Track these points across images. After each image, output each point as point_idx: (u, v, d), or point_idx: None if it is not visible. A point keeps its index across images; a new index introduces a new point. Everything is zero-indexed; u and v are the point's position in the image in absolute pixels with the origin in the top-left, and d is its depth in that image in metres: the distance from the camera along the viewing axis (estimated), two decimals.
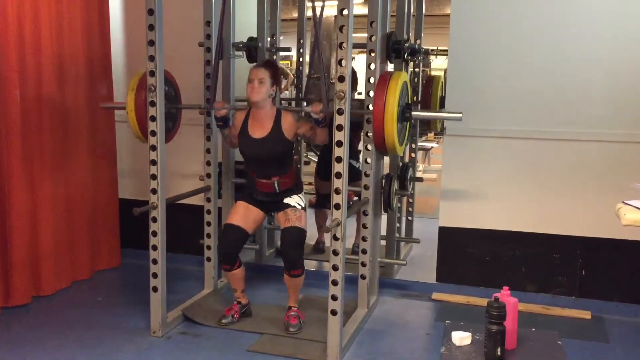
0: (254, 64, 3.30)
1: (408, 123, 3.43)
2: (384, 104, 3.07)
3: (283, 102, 5.36)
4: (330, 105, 3.11)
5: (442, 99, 4.57)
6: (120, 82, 4.51)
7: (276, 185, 3.37)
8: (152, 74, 3.16)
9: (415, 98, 4.50)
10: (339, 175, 2.92)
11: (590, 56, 3.64)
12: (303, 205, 3.44)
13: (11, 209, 3.63)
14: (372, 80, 3.38)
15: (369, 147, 3.48)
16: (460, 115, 3.26)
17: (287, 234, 3.33)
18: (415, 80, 5.01)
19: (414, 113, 3.28)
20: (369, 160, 3.50)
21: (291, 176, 3.45)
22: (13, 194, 3.63)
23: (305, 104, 4.29)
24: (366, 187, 3.53)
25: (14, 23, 3.55)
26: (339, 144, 2.90)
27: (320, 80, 3.29)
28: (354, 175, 3.61)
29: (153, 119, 3.22)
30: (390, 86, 3.09)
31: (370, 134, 3.46)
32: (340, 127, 2.90)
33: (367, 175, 3.52)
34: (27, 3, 3.63)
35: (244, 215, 3.42)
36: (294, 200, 3.41)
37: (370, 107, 3.30)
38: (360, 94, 3.86)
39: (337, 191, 2.94)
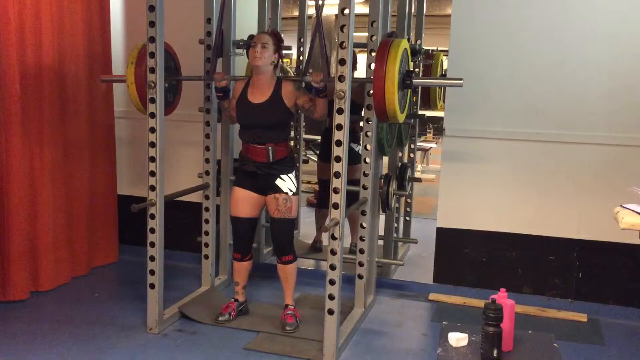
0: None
1: (409, 91, 3.40)
2: (384, 70, 3.03)
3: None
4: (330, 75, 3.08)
5: (443, 77, 4.81)
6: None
7: (270, 152, 3.28)
8: (152, 70, 3.17)
9: (415, 98, 4.52)
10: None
11: (590, 58, 3.64)
12: (295, 190, 3.38)
13: (10, 204, 3.63)
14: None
15: (368, 147, 3.48)
16: (461, 81, 3.23)
17: (277, 225, 3.37)
18: None
19: (414, 80, 3.25)
20: (367, 160, 3.50)
21: (286, 147, 3.37)
22: (12, 189, 3.62)
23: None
24: (364, 187, 3.54)
25: (15, 18, 3.55)
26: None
27: (319, 51, 3.27)
28: (354, 159, 3.70)
29: (152, 115, 3.21)
30: (391, 53, 3.05)
31: (369, 134, 3.47)
32: (339, 127, 2.90)
33: (365, 175, 3.53)
34: (29, 3, 3.64)
35: (245, 203, 3.40)
36: (285, 184, 3.34)
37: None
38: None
39: (336, 191, 2.94)
